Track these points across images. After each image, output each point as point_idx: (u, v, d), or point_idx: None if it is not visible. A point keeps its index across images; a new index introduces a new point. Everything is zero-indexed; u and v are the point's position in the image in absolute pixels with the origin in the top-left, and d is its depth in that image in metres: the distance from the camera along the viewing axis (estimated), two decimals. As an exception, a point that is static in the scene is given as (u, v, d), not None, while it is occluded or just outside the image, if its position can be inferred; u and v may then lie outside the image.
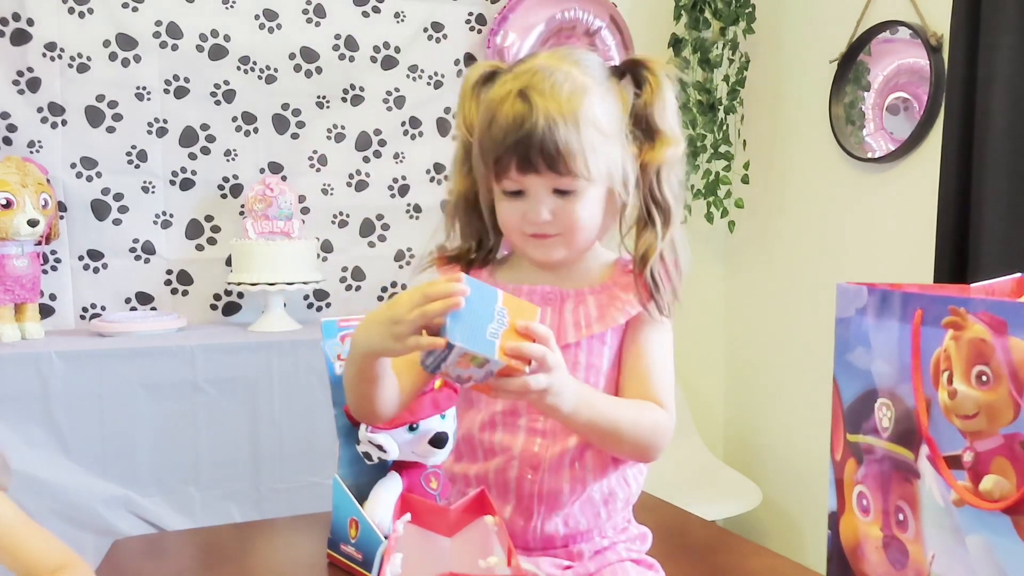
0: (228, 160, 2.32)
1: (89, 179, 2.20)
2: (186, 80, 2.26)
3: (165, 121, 2.26)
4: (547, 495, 0.92)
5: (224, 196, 2.32)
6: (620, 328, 0.95)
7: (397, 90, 2.45)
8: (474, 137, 0.91)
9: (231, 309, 2.35)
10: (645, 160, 0.92)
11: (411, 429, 1.19)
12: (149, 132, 2.24)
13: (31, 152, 2.13)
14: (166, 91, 2.25)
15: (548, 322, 0.92)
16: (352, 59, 2.41)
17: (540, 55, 0.91)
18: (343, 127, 2.41)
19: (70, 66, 2.16)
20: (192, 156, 2.29)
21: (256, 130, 2.34)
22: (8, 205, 1.95)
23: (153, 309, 2.27)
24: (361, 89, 2.41)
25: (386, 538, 1.08)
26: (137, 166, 2.24)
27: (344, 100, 2.41)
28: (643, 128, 0.92)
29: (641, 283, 0.93)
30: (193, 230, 2.31)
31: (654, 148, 0.92)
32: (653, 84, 0.92)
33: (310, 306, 2.41)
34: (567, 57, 0.90)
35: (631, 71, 0.93)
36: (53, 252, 2.18)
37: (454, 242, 0.99)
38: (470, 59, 2.53)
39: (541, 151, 0.85)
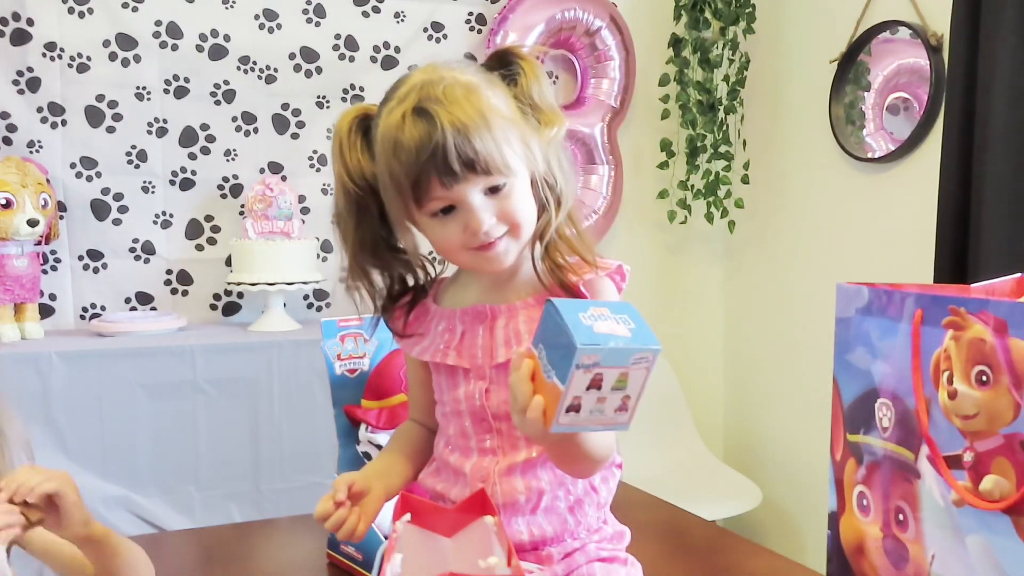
0: (228, 160, 2.32)
1: (89, 179, 2.20)
2: (186, 80, 2.26)
3: (165, 121, 2.26)
4: (503, 505, 0.91)
5: (224, 196, 2.32)
6: None
7: (397, 90, 2.45)
8: (380, 173, 0.87)
9: (231, 309, 2.35)
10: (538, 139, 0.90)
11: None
12: (149, 132, 2.24)
13: (31, 152, 2.13)
14: (166, 91, 2.25)
15: (480, 341, 0.92)
16: (352, 59, 2.41)
17: (413, 74, 0.88)
18: (343, 127, 2.41)
19: (70, 66, 2.16)
20: (192, 156, 2.29)
21: (256, 130, 2.34)
22: (8, 205, 1.95)
23: (153, 309, 2.27)
24: (361, 89, 2.41)
25: (386, 538, 1.08)
26: (137, 166, 2.24)
27: (344, 100, 2.41)
28: (527, 111, 0.90)
29: (548, 268, 0.90)
30: (193, 230, 2.31)
31: (540, 128, 0.90)
32: (526, 68, 0.90)
33: (310, 306, 2.41)
34: (441, 66, 0.88)
35: (500, 62, 0.92)
36: (53, 252, 2.18)
37: (373, 292, 0.96)
38: (470, 59, 2.53)
39: (460, 158, 0.81)
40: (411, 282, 0.98)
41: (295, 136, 2.38)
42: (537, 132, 0.89)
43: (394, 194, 0.86)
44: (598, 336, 0.69)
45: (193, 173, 2.29)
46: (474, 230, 0.85)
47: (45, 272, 2.16)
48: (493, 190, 0.85)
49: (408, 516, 0.82)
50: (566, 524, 0.93)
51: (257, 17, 2.32)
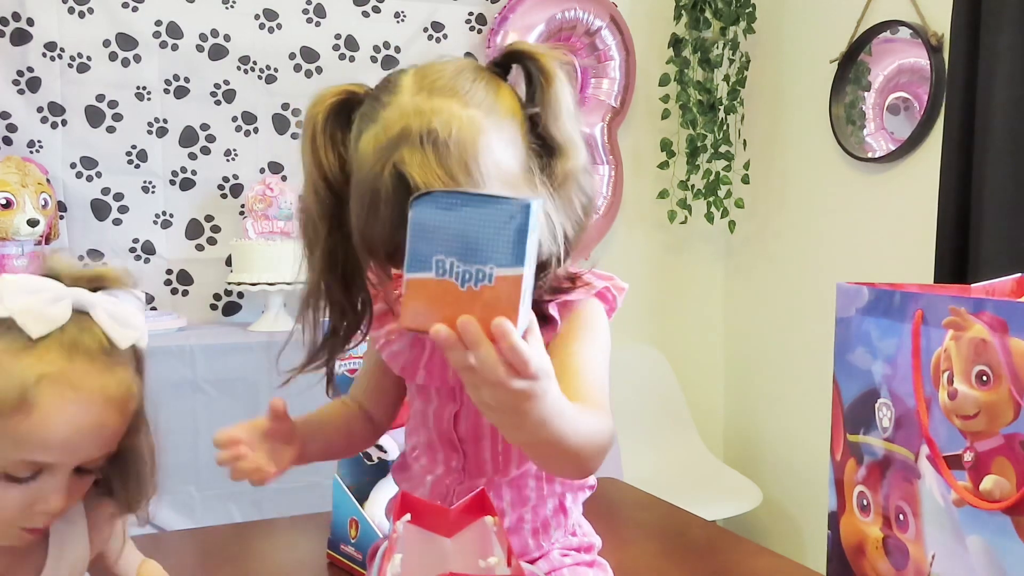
0: (228, 160, 2.32)
1: (89, 179, 2.20)
2: (186, 80, 2.26)
3: (165, 121, 2.26)
4: None
5: (224, 196, 2.32)
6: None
7: (397, 90, 2.45)
8: (352, 213, 0.72)
9: (231, 309, 2.35)
10: (547, 176, 0.74)
11: (411, 429, 1.19)
12: (149, 132, 2.24)
13: (31, 152, 2.13)
14: (166, 91, 2.25)
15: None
16: (352, 59, 2.41)
17: (404, 84, 0.72)
18: (343, 127, 2.41)
19: (70, 66, 2.16)
20: (192, 156, 2.29)
21: (256, 130, 2.34)
22: (8, 205, 1.95)
23: (153, 309, 2.27)
24: (361, 89, 2.41)
25: (385, 538, 1.08)
26: (137, 166, 2.24)
27: (344, 100, 2.40)
28: (539, 138, 0.74)
29: (546, 293, 0.78)
30: (193, 230, 2.31)
31: (553, 163, 0.74)
32: (545, 84, 0.74)
33: (310, 306, 2.41)
34: (439, 85, 0.71)
35: (518, 64, 0.76)
36: (53, 252, 2.18)
37: (320, 326, 0.82)
38: (470, 59, 2.52)
39: None
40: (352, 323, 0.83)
41: (295, 136, 2.38)
42: (540, 163, 0.74)
43: (364, 249, 0.74)
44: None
45: (193, 173, 2.29)
46: None
47: (45, 272, 2.16)
48: None
49: (408, 516, 0.82)
50: (527, 546, 0.88)
51: (257, 17, 2.32)
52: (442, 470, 0.88)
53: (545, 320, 0.78)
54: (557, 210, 0.73)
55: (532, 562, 0.89)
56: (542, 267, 0.74)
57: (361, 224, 0.72)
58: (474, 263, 0.57)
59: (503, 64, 0.77)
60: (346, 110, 0.75)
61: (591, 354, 0.80)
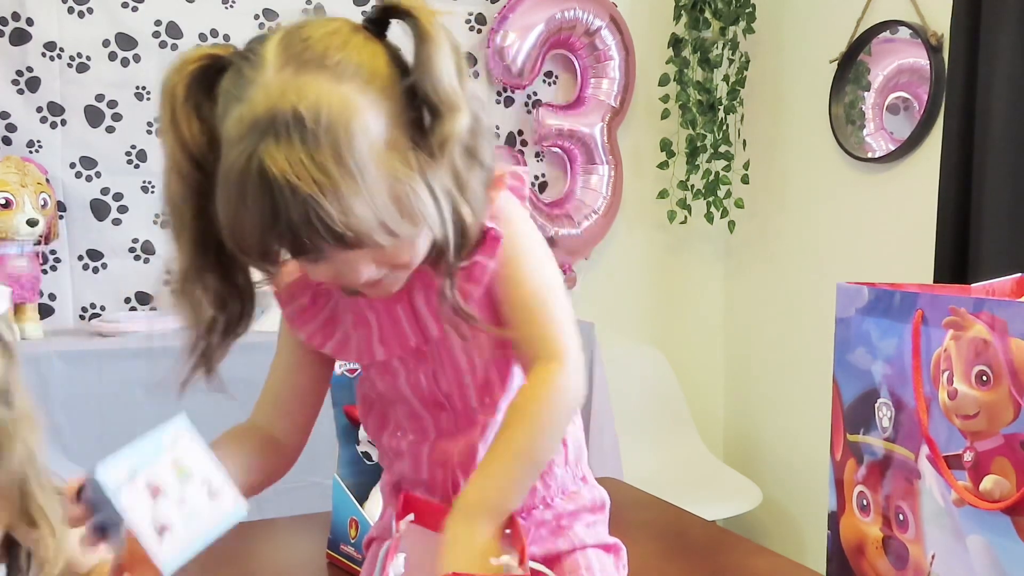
0: (228, 160, 2.32)
1: (89, 179, 2.20)
2: (186, 80, 2.26)
3: (165, 121, 2.25)
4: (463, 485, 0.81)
5: (224, 196, 2.32)
6: (483, 292, 0.76)
7: (397, 90, 2.45)
8: (219, 206, 0.65)
9: (231, 309, 2.35)
10: (433, 142, 0.66)
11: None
12: (149, 132, 2.24)
13: (31, 152, 2.13)
14: (166, 91, 2.25)
15: (406, 324, 0.78)
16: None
17: (268, 60, 0.65)
18: (343, 127, 2.41)
19: (70, 66, 2.16)
20: (192, 156, 2.28)
21: (256, 130, 2.33)
22: (7, 205, 1.95)
23: (153, 309, 2.27)
24: (361, 89, 2.41)
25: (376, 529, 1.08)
26: (137, 166, 2.24)
27: (344, 100, 2.40)
28: (421, 101, 0.66)
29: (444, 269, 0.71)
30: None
31: (433, 128, 0.66)
32: (420, 42, 0.66)
33: (310, 306, 2.41)
34: (307, 60, 0.64)
35: (394, 19, 0.69)
36: (53, 252, 2.18)
37: (203, 316, 0.76)
38: (470, 59, 2.52)
39: (313, 241, 0.62)
40: (239, 309, 0.77)
41: (295, 136, 2.37)
42: (433, 144, 0.66)
43: (236, 247, 0.66)
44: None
45: (193, 173, 2.29)
46: (349, 281, 0.69)
47: (45, 272, 2.16)
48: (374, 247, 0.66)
49: (411, 516, 0.81)
50: (535, 491, 0.84)
51: (257, 17, 2.32)
52: (434, 434, 0.84)
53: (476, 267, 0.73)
54: (441, 185, 0.66)
55: (546, 528, 0.86)
56: (439, 255, 0.69)
57: (229, 221, 0.64)
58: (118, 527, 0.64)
59: (381, 21, 0.69)
60: (209, 77, 0.67)
61: (531, 283, 0.76)
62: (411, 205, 0.64)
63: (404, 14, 0.67)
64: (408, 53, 0.68)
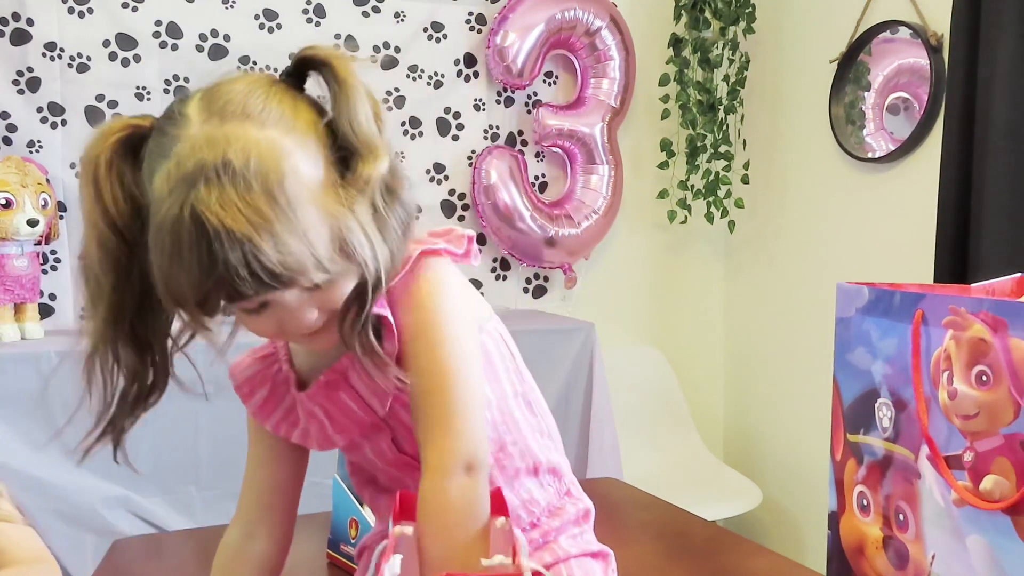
0: (228, 160, 2.32)
1: (89, 179, 2.20)
2: (186, 80, 2.26)
3: (165, 121, 2.26)
4: None
5: (224, 196, 2.32)
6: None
7: (397, 90, 2.45)
8: (151, 260, 0.65)
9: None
10: (356, 181, 0.67)
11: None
12: (149, 132, 2.24)
13: (31, 152, 2.13)
14: (166, 91, 2.25)
15: (352, 404, 0.79)
16: (352, 59, 2.40)
17: (191, 117, 0.65)
18: (343, 127, 2.41)
19: (70, 66, 2.16)
20: (192, 156, 2.28)
21: (256, 130, 2.33)
22: (8, 205, 1.95)
23: (153, 309, 2.27)
24: (361, 89, 2.41)
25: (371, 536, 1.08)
26: (137, 166, 2.24)
27: (344, 100, 2.40)
28: (341, 148, 0.68)
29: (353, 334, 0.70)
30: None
31: (353, 169, 0.67)
32: (338, 88, 0.69)
33: (310, 306, 2.41)
34: (229, 110, 0.65)
35: (312, 72, 0.71)
36: (53, 252, 2.18)
37: (113, 385, 0.76)
38: (470, 59, 2.53)
39: (255, 281, 0.62)
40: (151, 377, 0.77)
41: (295, 136, 2.38)
42: (356, 184, 0.67)
43: (171, 301, 0.66)
44: None
45: (193, 173, 2.29)
46: (293, 330, 0.70)
47: (45, 272, 2.16)
48: (311, 287, 0.67)
49: (411, 527, 0.81)
50: (520, 520, 0.84)
51: (257, 17, 2.32)
52: (410, 481, 0.83)
53: (379, 333, 0.72)
54: (367, 222, 0.67)
55: (536, 549, 0.86)
56: (360, 299, 0.68)
57: (164, 274, 0.64)
58: None
59: (298, 74, 0.72)
60: (132, 147, 0.67)
61: (434, 366, 0.73)
62: (345, 241, 0.65)
63: (320, 64, 0.70)
64: (326, 104, 0.70)
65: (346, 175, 0.67)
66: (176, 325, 0.74)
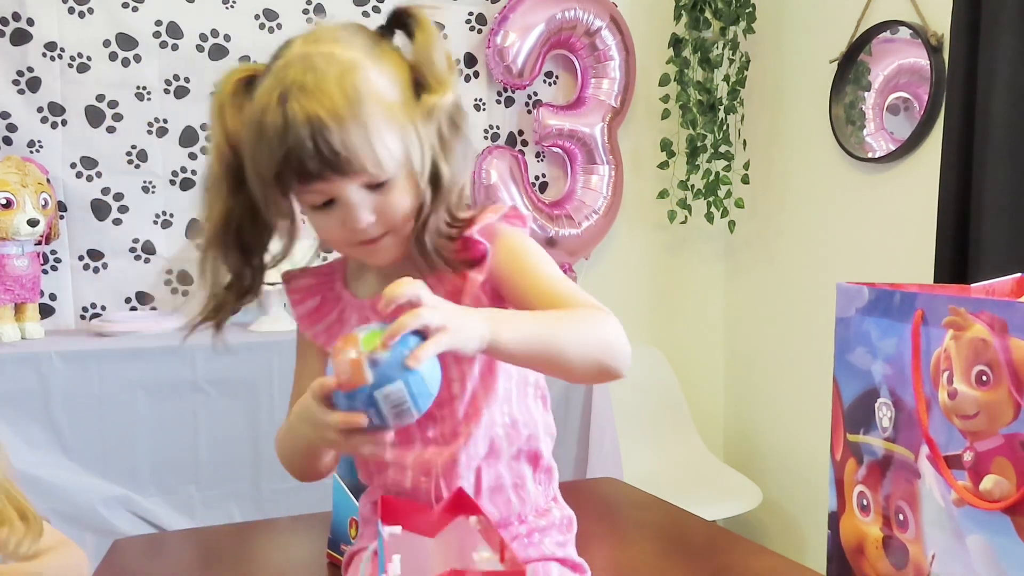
0: (228, 160, 2.31)
1: (89, 179, 2.20)
2: (186, 80, 2.26)
3: (165, 121, 2.26)
4: (446, 497, 0.86)
5: (224, 196, 2.32)
6: (478, 298, 0.84)
7: (397, 90, 2.45)
8: (245, 154, 0.79)
9: (231, 309, 2.34)
10: (425, 107, 0.81)
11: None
12: (149, 132, 2.24)
13: (31, 152, 2.13)
14: (166, 91, 2.25)
15: None
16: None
17: (295, 42, 0.80)
18: (343, 127, 2.41)
19: (70, 66, 2.16)
20: (192, 156, 2.29)
21: (256, 130, 2.33)
22: (8, 205, 1.95)
23: (153, 309, 2.27)
24: (361, 89, 2.41)
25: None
26: (137, 166, 2.24)
27: (344, 100, 2.40)
28: (416, 79, 0.82)
29: (431, 260, 0.82)
30: (193, 230, 2.31)
31: (428, 95, 0.81)
32: (420, 32, 0.84)
33: (310, 306, 2.41)
34: (323, 37, 0.80)
35: (399, 26, 0.85)
36: (53, 252, 2.18)
37: (219, 278, 0.86)
38: (470, 59, 2.53)
39: (318, 158, 0.75)
40: (249, 280, 0.88)
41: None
42: (424, 109, 0.81)
43: (256, 181, 0.80)
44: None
45: (193, 173, 2.29)
46: (352, 228, 0.80)
47: (45, 272, 2.16)
48: (371, 186, 0.78)
49: (395, 520, 0.81)
50: (511, 504, 0.90)
51: (257, 17, 2.32)
52: (420, 445, 0.87)
53: (464, 262, 0.82)
54: (428, 140, 0.80)
55: (516, 538, 0.90)
56: (418, 210, 0.81)
57: (252, 155, 0.78)
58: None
59: (388, 28, 0.86)
60: (250, 85, 0.81)
61: (545, 280, 0.84)
62: (400, 145, 0.78)
63: (408, 16, 0.84)
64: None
65: (417, 101, 0.81)
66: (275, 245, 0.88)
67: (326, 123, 0.74)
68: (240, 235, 0.85)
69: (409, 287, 0.70)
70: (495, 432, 0.88)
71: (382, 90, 0.78)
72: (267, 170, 0.77)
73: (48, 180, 2.10)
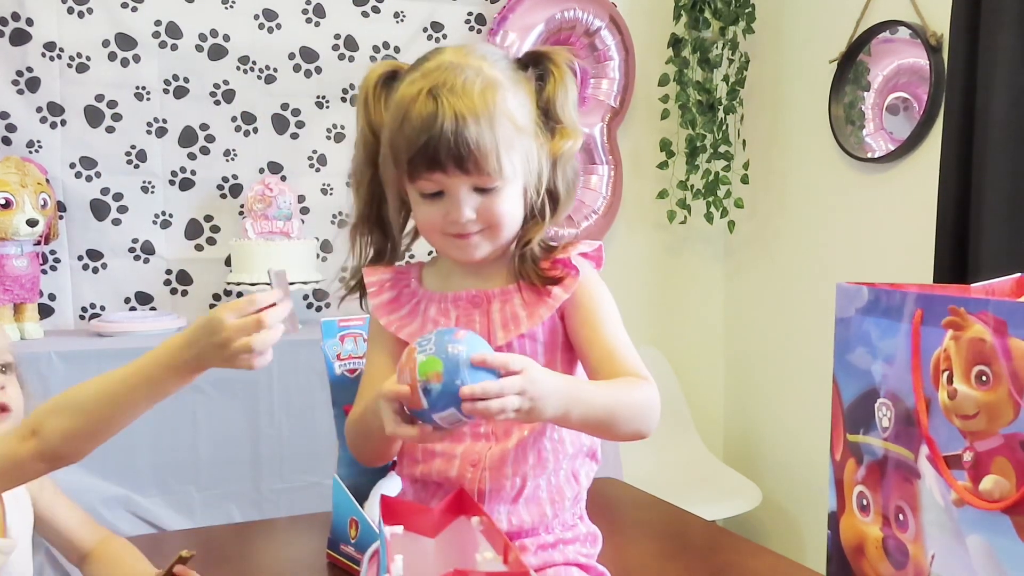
0: (227, 160, 2.32)
1: (88, 179, 2.20)
2: (186, 80, 2.26)
3: (165, 121, 2.25)
4: (488, 491, 0.92)
5: (224, 196, 2.32)
6: (552, 322, 0.94)
7: (397, 90, 2.45)
8: (384, 137, 0.91)
9: (231, 309, 2.34)
10: (547, 152, 0.93)
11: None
12: (149, 132, 2.24)
13: (30, 152, 2.13)
14: (166, 91, 2.25)
15: (477, 327, 0.93)
16: (352, 59, 2.41)
17: (446, 51, 0.90)
18: (343, 127, 2.41)
19: (69, 66, 2.16)
20: (192, 156, 2.28)
21: (256, 130, 2.33)
22: (7, 205, 1.95)
23: (153, 309, 2.27)
24: (361, 89, 2.41)
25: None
26: (136, 166, 2.24)
27: (344, 100, 2.40)
28: (545, 120, 0.93)
29: (523, 269, 0.94)
30: (192, 230, 2.31)
31: (553, 140, 0.92)
32: (556, 76, 0.93)
33: (310, 306, 2.41)
34: (473, 52, 0.90)
35: (534, 63, 0.94)
36: (52, 252, 2.18)
37: (366, 255, 0.99)
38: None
39: (451, 151, 0.84)
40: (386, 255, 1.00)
41: (295, 136, 2.38)
42: (549, 143, 0.92)
43: (389, 161, 0.89)
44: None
45: (193, 173, 2.29)
46: (453, 218, 0.89)
47: (45, 272, 2.16)
48: (482, 189, 0.88)
49: (395, 520, 0.82)
50: (544, 516, 0.94)
51: (257, 17, 2.32)
52: (470, 440, 0.93)
53: (555, 280, 0.93)
54: (550, 170, 0.92)
55: (543, 547, 0.94)
56: (530, 217, 0.93)
57: (391, 137, 0.88)
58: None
59: (523, 64, 0.94)
60: (392, 78, 0.93)
61: (610, 326, 0.94)
62: (520, 160, 0.89)
63: (544, 58, 0.94)
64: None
65: (544, 133, 0.92)
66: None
67: (469, 121, 0.84)
68: (381, 215, 0.96)
69: (520, 360, 0.79)
70: (543, 444, 0.94)
71: (514, 111, 0.88)
72: (404, 153, 0.86)
73: (47, 180, 2.10)
